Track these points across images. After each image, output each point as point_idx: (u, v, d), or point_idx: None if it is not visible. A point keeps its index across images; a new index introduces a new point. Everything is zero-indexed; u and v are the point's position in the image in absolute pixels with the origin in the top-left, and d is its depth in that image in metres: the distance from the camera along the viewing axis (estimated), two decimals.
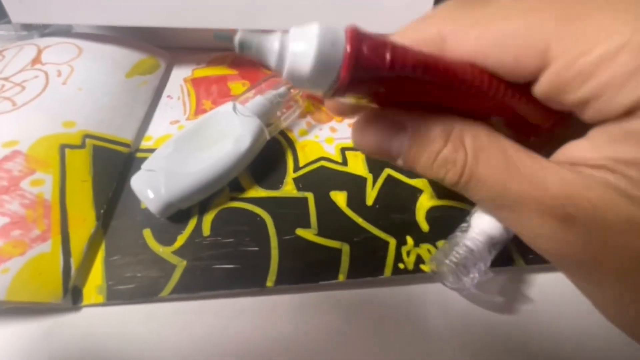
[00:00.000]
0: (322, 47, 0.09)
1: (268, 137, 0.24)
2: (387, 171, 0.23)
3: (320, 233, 0.20)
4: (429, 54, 0.11)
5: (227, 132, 0.23)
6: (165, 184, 0.21)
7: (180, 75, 0.31)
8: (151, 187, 0.21)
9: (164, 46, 0.32)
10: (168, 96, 0.29)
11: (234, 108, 0.23)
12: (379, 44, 0.10)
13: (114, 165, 0.23)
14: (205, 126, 0.23)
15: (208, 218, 0.21)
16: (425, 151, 0.13)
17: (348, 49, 0.09)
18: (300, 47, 0.09)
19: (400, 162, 0.13)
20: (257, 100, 0.24)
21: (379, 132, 0.13)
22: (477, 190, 0.12)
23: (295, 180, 0.23)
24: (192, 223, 0.21)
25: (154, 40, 0.32)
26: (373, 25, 0.12)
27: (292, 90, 0.26)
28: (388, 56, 0.10)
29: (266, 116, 0.24)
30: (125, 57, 0.29)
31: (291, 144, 0.25)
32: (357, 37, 0.10)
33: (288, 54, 0.10)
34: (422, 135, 0.12)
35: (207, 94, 0.29)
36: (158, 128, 0.27)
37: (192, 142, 0.22)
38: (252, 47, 0.10)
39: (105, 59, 0.28)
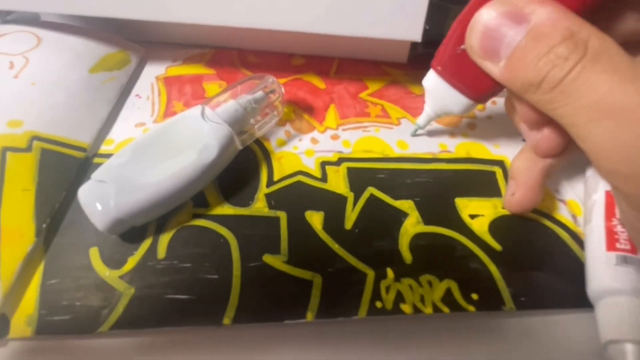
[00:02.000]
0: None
1: (240, 147, 0.21)
2: (371, 190, 0.21)
3: (290, 260, 0.18)
4: None
5: (192, 140, 0.20)
6: (116, 197, 0.18)
7: (152, 72, 0.28)
8: (100, 200, 0.18)
9: (139, 39, 0.30)
10: (137, 95, 0.27)
11: (202, 113, 0.21)
12: None
13: (64, 172, 0.21)
14: (168, 132, 0.20)
15: (165, 237, 0.19)
16: (538, 45, 0.13)
17: None
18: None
19: (499, 68, 0.14)
20: (229, 105, 0.22)
21: (497, 20, 0.14)
22: (577, 95, 0.12)
23: (268, 196, 0.21)
24: (147, 243, 0.19)
25: (128, 33, 0.29)
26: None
27: (271, 95, 0.23)
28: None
29: (239, 124, 0.22)
30: (91, 50, 0.27)
31: (267, 155, 0.23)
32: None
33: None
34: (543, 30, 0.13)
35: (179, 95, 0.26)
36: (121, 130, 0.24)
37: (152, 150, 0.20)
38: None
39: (66, 51, 0.26)
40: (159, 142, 0.20)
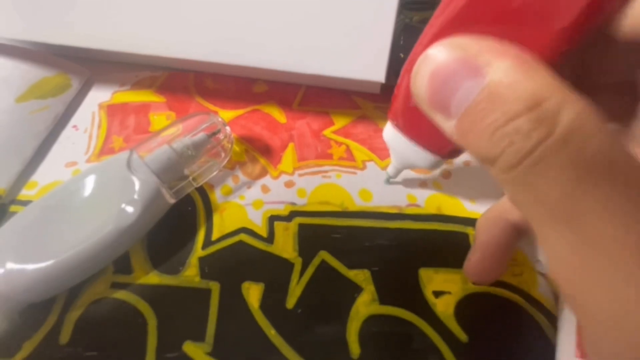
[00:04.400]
0: None
1: (172, 201, 0.19)
2: (322, 255, 0.18)
3: (214, 352, 0.15)
4: None
5: (113, 195, 0.17)
6: (9, 270, 0.15)
7: (96, 98, 0.25)
8: None
9: (85, 58, 0.27)
10: (74, 126, 0.24)
11: (129, 161, 0.18)
12: None
13: None
14: (86, 185, 0.18)
15: (73, 316, 0.16)
16: (494, 110, 0.10)
17: None
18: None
19: (450, 125, 0.11)
20: (162, 152, 0.19)
21: (448, 66, 0.10)
22: (535, 187, 0.09)
23: (202, 260, 0.18)
24: (50, 322, 0.16)
25: (73, 52, 0.26)
26: None
27: (220, 135, 0.21)
28: None
29: (172, 173, 0.19)
30: (22, 74, 0.24)
31: (208, 207, 0.20)
32: None
33: None
34: (501, 92, 0.10)
35: (121, 128, 0.24)
36: (48, 171, 0.21)
37: (64, 207, 0.17)
38: None
39: None
40: (73, 199, 0.17)
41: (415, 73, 0.11)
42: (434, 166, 0.17)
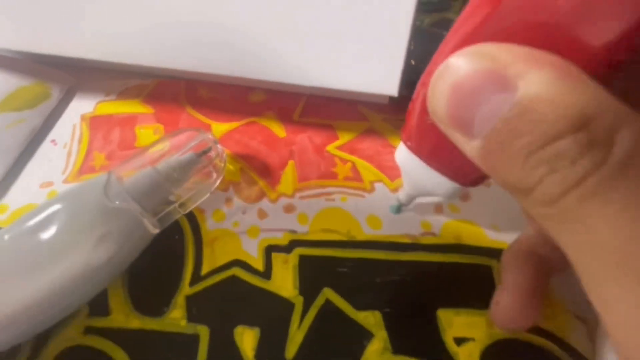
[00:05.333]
0: None
1: (155, 232, 0.16)
2: (326, 293, 0.16)
3: None
4: None
5: (87, 226, 0.15)
6: None
7: (78, 109, 0.23)
8: None
9: (68, 65, 0.25)
10: (52, 141, 0.22)
11: (106, 186, 0.16)
12: None
13: None
14: (56, 214, 0.15)
15: None
16: (529, 131, 0.08)
17: None
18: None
19: (472, 147, 0.09)
20: (144, 174, 0.16)
21: (472, 78, 0.08)
22: (585, 227, 0.07)
23: (190, 300, 0.16)
24: None
25: (56, 58, 0.24)
26: None
27: (211, 154, 0.18)
28: None
29: (156, 198, 0.16)
30: None
31: (197, 236, 0.18)
32: None
33: None
34: (538, 109, 0.07)
35: (103, 143, 0.21)
36: (21, 193, 0.19)
37: (31, 240, 0.15)
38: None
39: None
40: (41, 230, 0.15)
41: (433, 86, 0.09)
42: (453, 194, 0.14)
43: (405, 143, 0.14)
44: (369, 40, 0.17)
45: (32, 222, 0.15)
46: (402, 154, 0.14)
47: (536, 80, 0.08)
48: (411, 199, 0.17)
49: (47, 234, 0.15)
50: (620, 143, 0.07)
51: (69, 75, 0.24)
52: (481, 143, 0.09)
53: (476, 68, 0.08)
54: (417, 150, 0.13)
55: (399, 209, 0.18)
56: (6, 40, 0.22)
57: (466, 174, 0.13)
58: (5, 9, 0.20)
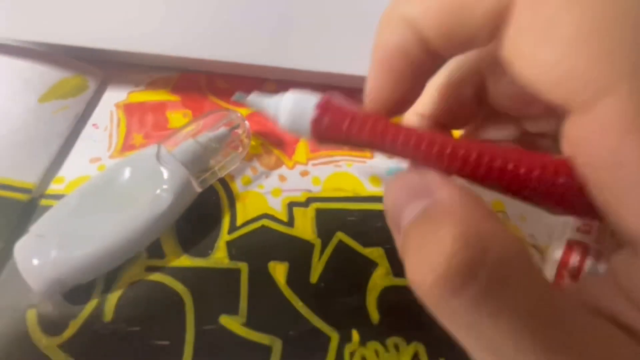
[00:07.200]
0: (294, 114, 0.11)
1: (199, 190, 0.20)
2: (339, 235, 0.20)
3: (248, 323, 0.17)
4: (392, 125, 0.10)
5: (145, 186, 0.19)
6: (57, 255, 0.16)
7: (112, 98, 0.26)
8: (38, 257, 0.16)
9: (98, 60, 0.28)
10: (94, 125, 0.25)
11: (158, 154, 0.19)
12: (341, 114, 0.11)
13: (4, 219, 0.19)
14: (118, 177, 0.19)
15: (114, 297, 0.17)
16: (428, 240, 0.09)
17: (313, 116, 0.11)
18: (283, 109, 0.11)
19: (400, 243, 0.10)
20: (188, 144, 0.20)
21: (403, 185, 0.11)
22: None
23: (229, 244, 0.19)
24: (93, 303, 0.17)
25: (86, 53, 0.28)
26: None
27: (238, 130, 0.22)
28: (345, 126, 0.11)
29: (198, 164, 0.20)
30: (42, 76, 0.25)
31: (230, 196, 0.21)
32: (323, 106, 0.11)
33: (279, 113, 0.12)
34: (438, 214, 0.09)
35: (139, 126, 0.25)
36: (74, 167, 0.22)
37: (100, 198, 0.18)
38: (258, 106, 0.12)
39: (12, 78, 0.24)
40: (108, 189, 0.18)
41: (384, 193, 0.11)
42: None
43: None
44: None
45: (101, 182, 0.19)
46: None
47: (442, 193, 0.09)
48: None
49: (114, 191, 0.18)
50: (491, 253, 0.08)
51: (99, 69, 0.28)
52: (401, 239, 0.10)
53: (401, 182, 0.10)
54: None
55: (393, 171, 0.22)
56: (38, 33, 0.24)
57: None
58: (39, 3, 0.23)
